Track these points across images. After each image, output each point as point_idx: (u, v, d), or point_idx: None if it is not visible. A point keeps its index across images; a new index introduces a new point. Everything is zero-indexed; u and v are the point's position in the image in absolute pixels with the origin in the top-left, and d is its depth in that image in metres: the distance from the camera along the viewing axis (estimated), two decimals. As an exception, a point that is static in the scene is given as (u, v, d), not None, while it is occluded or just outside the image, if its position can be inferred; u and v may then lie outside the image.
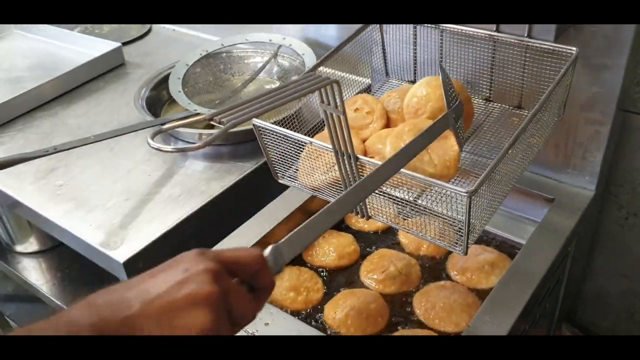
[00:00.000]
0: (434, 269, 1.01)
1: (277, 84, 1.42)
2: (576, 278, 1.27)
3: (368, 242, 1.07)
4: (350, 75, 1.03)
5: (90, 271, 1.39)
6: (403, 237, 1.06)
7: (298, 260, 1.04)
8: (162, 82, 1.37)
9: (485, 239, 1.06)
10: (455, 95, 0.77)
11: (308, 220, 0.55)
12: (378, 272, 0.98)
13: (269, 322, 0.92)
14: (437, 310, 0.91)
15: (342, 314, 0.91)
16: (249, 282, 0.55)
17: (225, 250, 0.55)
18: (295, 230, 0.56)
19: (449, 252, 1.02)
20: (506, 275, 0.91)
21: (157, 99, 1.36)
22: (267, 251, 0.55)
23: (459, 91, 0.83)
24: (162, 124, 1.20)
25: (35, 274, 1.42)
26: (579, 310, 1.39)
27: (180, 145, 1.22)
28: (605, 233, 1.24)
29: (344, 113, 0.68)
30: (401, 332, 0.90)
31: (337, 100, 0.67)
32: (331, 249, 1.03)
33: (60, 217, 1.06)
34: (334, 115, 0.69)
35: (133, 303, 0.50)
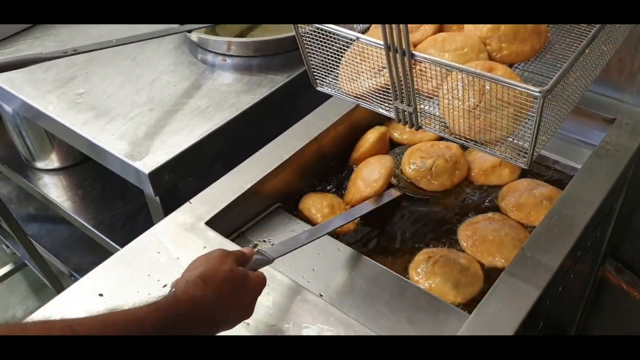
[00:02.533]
0: (482, 206, 0.94)
1: None
2: (628, 209, 1.19)
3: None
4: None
5: (111, 189, 1.35)
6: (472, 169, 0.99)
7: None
8: (188, -10, 1.28)
9: (538, 163, 0.98)
10: None
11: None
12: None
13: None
14: (487, 244, 0.84)
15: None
16: None
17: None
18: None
19: (499, 189, 0.95)
20: (560, 200, 0.84)
21: (183, 8, 1.27)
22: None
23: None
24: (189, 31, 1.12)
25: (56, 191, 1.37)
26: (624, 246, 1.32)
27: (209, 57, 1.15)
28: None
29: (402, -2, 0.59)
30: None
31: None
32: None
33: (80, 126, 1.00)
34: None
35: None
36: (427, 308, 0.76)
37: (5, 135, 1.45)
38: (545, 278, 0.73)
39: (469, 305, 0.78)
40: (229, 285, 0.61)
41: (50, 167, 1.40)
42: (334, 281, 0.80)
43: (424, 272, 0.81)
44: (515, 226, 0.87)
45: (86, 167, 1.40)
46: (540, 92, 0.59)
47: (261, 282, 0.66)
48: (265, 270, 0.69)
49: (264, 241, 0.86)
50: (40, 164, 1.40)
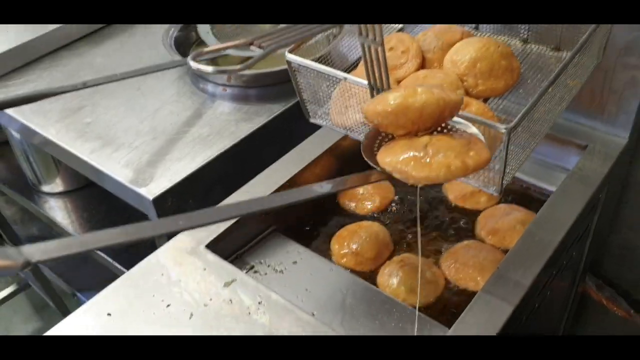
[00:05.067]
0: (460, 230, 1.00)
1: (305, 27, 1.40)
2: (604, 229, 1.26)
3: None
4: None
5: (115, 212, 1.41)
6: (450, 193, 1.06)
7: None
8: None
9: (516, 186, 1.05)
10: None
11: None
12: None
13: (297, 261, 0.92)
14: (469, 270, 0.90)
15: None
16: None
17: None
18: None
19: (477, 215, 1.02)
20: (535, 221, 0.90)
21: (186, 40, 1.34)
22: None
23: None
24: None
25: (61, 213, 1.43)
26: (604, 263, 1.38)
27: (210, 87, 1.22)
28: (635, 184, 1.22)
29: (382, 44, 0.66)
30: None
31: (376, 31, 0.65)
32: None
33: (88, 154, 1.06)
34: (372, 48, 0.67)
35: None
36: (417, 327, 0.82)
37: (12, 160, 1.51)
38: (518, 295, 0.79)
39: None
40: None
41: (56, 190, 1.46)
42: (326, 300, 0.86)
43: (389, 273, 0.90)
44: (491, 250, 0.93)
45: (91, 191, 1.47)
46: (505, 128, 0.66)
47: None
48: (261, 290, 0.75)
49: (260, 263, 0.92)
50: (46, 188, 1.47)
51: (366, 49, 0.68)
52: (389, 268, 0.92)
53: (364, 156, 0.68)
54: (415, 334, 0.80)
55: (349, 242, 0.95)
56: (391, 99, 0.63)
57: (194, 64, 0.52)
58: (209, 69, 0.58)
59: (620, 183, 1.21)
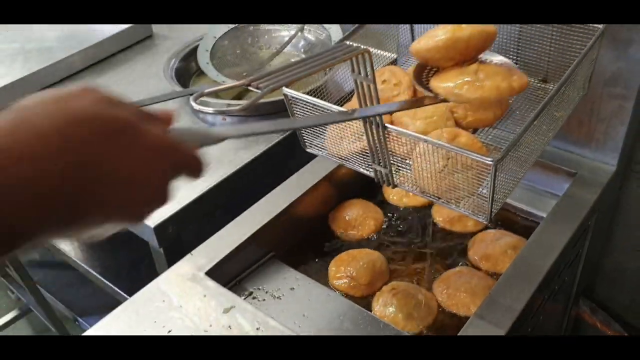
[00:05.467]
0: (451, 254, 1.03)
1: (303, 57, 1.44)
2: (595, 253, 1.28)
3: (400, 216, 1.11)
4: (376, 50, 1.04)
5: (116, 238, 1.42)
6: (438, 216, 1.09)
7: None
8: (191, 54, 1.39)
9: (508, 212, 1.08)
10: None
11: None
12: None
13: (295, 287, 0.95)
14: (461, 296, 0.93)
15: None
16: None
17: None
18: None
19: (465, 238, 1.05)
20: (527, 246, 0.93)
21: (186, 71, 1.38)
22: None
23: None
24: (191, 94, 1.22)
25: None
26: (597, 286, 1.40)
27: (210, 117, 1.25)
28: (625, 209, 1.25)
29: (374, 82, 0.70)
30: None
31: (368, 68, 0.69)
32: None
33: (92, 183, 1.09)
34: (364, 83, 0.71)
35: None
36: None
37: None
38: (510, 319, 0.81)
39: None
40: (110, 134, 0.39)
41: (59, 216, 1.49)
42: (323, 325, 0.88)
43: (384, 302, 0.92)
44: (483, 276, 0.96)
45: (93, 217, 1.49)
46: (492, 160, 0.69)
47: (175, 151, 0.44)
48: (259, 316, 0.77)
49: (259, 289, 0.95)
50: (49, 214, 1.49)
51: (359, 85, 0.72)
52: (383, 297, 0.94)
53: (416, 86, 0.76)
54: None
55: (347, 266, 0.98)
56: (440, 34, 0.72)
57: (195, 105, 0.56)
58: (209, 110, 0.61)
59: (610, 208, 1.23)
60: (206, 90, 0.57)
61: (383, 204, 1.13)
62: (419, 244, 1.05)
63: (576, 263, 1.13)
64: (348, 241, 1.06)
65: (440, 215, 1.08)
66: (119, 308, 0.85)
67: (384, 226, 1.08)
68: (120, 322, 0.83)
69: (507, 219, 1.07)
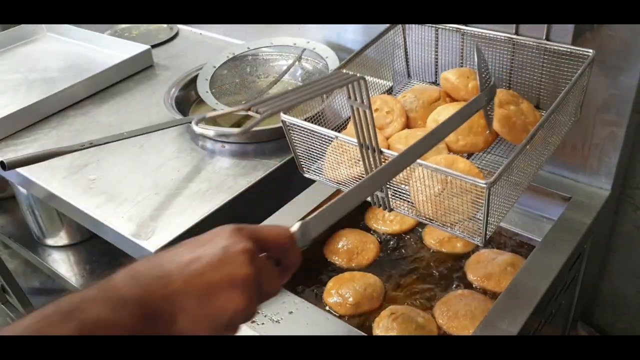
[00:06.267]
0: (449, 277, 1.04)
1: (301, 84, 1.47)
2: (592, 278, 1.29)
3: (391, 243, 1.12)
4: (372, 78, 1.07)
5: (117, 264, 1.43)
6: (429, 238, 1.11)
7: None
8: (191, 83, 1.42)
9: (504, 237, 1.09)
10: (488, 77, 0.80)
11: (336, 199, 0.59)
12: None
13: (293, 311, 0.96)
14: (460, 319, 0.94)
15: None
16: (277, 257, 0.58)
17: (257, 227, 0.58)
18: (323, 207, 0.59)
19: (464, 260, 1.06)
20: (522, 270, 0.94)
21: (186, 99, 1.41)
22: (295, 227, 0.58)
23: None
24: (190, 122, 1.25)
25: (64, 266, 1.47)
26: (596, 311, 1.41)
27: (209, 144, 1.27)
28: (621, 234, 1.26)
29: (370, 108, 0.72)
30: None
31: (364, 95, 0.71)
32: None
33: (93, 209, 1.11)
34: (360, 110, 0.73)
35: (175, 279, 0.53)
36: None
37: (17, 214, 1.56)
38: (506, 342, 0.82)
39: None
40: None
41: (60, 243, 1.51)
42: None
43: (385, 327, 0.93)
44: (483, 299, 0.97)
45: (93, 243, 1.51)
46: (486, 184, 0.71)
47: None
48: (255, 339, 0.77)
49: (258, 313, 0.95)
50: (50, 241, 1.51)
51: (355, 111, 0.74)
52: (383, 322, 0.94)
53: None
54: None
55: (341, 285, 1.00)
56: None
57: (197, 129, 0.58)
58: (210, 132, 0.63)
59: (606, 232, 1.25)
60: (208, 115, 0.59)
61: (369, 231, 1.14)
62: (412, 267, 1.06)
63: (573, 287, 1.14)
64: (347, 269, 1.07)
65: (431, 238, 1.10)
66: (119, 332, 0.86)
67: (380, 255, 1.09)
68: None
69: (501, 244, 1.09)
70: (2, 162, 0.98)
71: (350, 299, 0.97)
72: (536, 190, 1.10)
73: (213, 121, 1.32)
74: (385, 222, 1.14)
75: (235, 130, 0.59)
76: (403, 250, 1.10)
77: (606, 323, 1.41)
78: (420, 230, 1.13)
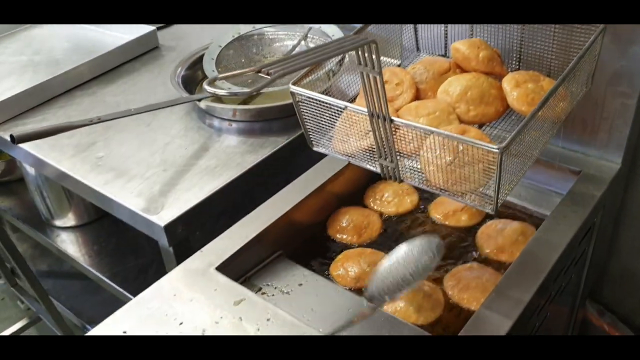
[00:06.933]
0: (455, 250, 1.04)
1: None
2: (601, 254, 1.29)
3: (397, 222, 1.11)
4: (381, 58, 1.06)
5: (124, 244, 1.45)
6: (435, 213, 1.10)
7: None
8: (197, 63, 1.42)
9: (512, 210, 1.09)
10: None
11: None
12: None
13: (302, 283, 0.96)
14: (471, 291, 0.94)
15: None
16: None
17: None
18: None
19: (470, 233, 1.06)
20: (532, 241, 0.94)
21: (192, 79, 1.41)
22: None
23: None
24: (199, 100, 1.25)
25: (72, 247, 1.47)
26: (605, 289, 1.41)
27: (216, 122, 1.27)
28: (631, 211, 1.25)
29: (380, 73, 0.71)
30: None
31: (374, 60, 0.70)
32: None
33: (102, 186, 1.11)
34: (371, 76, 0.73)
35: None
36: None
37: (26, 196, 1.56)
38: (517, 311, 0.82)
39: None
40: None
41: (68, 224, 1.51)
42: (332, 319, 0.89)
43: None
44: (492, 272, 0.97)
45: (101, 224, 1.51)
46: (498, 148, 0.70)
47: None
48: (269, 308, 0.78)
49: (268, 285, 0.96)
50: (58, 222, 1.51)
51: (365, 78, 0.73)
52: None
53: None
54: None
55: (348, 260, 1.01)
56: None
57: (209, 88, 0.57)
58: (222, 91, 0.62)
59: (616, 208, 1.24)
60: (220, 76, 0.59)
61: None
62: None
63: (582, 261, 1.14)
64: (351, 244, 1.07)
65: (436, 212, 1.10)
66: (131, 302, 0.86)
67: (382, 231, 1.09)
68: (132, 315, 0.84)
69: (511, 217, 1.08)
70: (11, 135, 0.98)
71: (352, 273, 0.98)
72: (546, 165, 1.10)
73: (219, 99, 1.31)
74: (383, 203, 1.14)
75: (247, 90, 0.59)
76: (409, 222, 1.10)
77: (615, 301, 1.41)
78: (421, 207, 1.13)
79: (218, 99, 1.31)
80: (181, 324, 0.81)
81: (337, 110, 0.87)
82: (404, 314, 0.91)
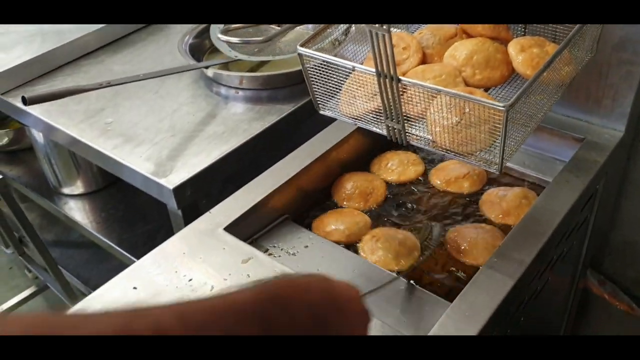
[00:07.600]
0: (458, 214, 1.05)
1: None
2: (603, 223, 1.30)
3: (401, 191, 1.13)
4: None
5: (132, 211, 1.47)
6: (436, 178, 1.12)
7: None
8: (204, 32, 1.42)
9: (515, 178, 1.10)
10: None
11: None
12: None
13: (308, 245, 0.98)
14: (479, 248, 0.96)
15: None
16: None
17: None
18: None
19: (477, 199, 1.07)
20: (535, 205, 0.95)
21: (200, 47, 1.41)
22: None
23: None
24: (206, 67, 1.26)
25: (80, 214, 1.49)
26: (606, 260, 1.42)
27: (223, 90, 1.28)
28: (634, 180, 1.26)
29: (389, 32, 0.72)
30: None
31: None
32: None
33: (111, 150, 1.12)
34: (379, 34, 0.73)
35: None
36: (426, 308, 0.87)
37: (34, 165, 1.58)
38: (519, 270, 0.84)
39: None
40: None
41: (76, 192, 1.53)
42: (336, 277, 0.91)
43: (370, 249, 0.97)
44: (491, 229, 1.00)
45: (108, 192, 1.53)
46: (504, 106, 0.71)
47: None
48: (277, 266, 0.79)
49: (274, 246, 0.98)
50: (66, 190, 1.53)
51: (373, 37, 0.74)
52: (367, 245, 0.98)
53: None
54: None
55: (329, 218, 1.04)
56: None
57: (223, 37, 0.58)
58: (235, 39, 0.63)
59: (618, 177, 1.25)
60: (233, 26, 0.60)
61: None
62: (424, 205, 1.08)
63: (584, 229, 1.15)
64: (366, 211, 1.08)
65: (437, 178, 1.12)
66: (141, 260, 0.88)
67: (387, 196, 1.11)
68: (143, 271, 0.86)
69: (513, 184, 1.10)
70: (23, 97, 0.99)
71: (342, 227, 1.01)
72: (549, 132, 1.11)
73: (226, 67, 1.32)
74: (387, 170, 1.16)
75: (259, 39, 0.60)
76: (410, 188, 1.12)
77: (616, 271, 1.43)
78: (421, 178, 1.14)
79: (225, 66, 1.32)
80: (190, 280, 0.83)
81: (345, 72, 0.88)
82: (384, 262, 0.94)
